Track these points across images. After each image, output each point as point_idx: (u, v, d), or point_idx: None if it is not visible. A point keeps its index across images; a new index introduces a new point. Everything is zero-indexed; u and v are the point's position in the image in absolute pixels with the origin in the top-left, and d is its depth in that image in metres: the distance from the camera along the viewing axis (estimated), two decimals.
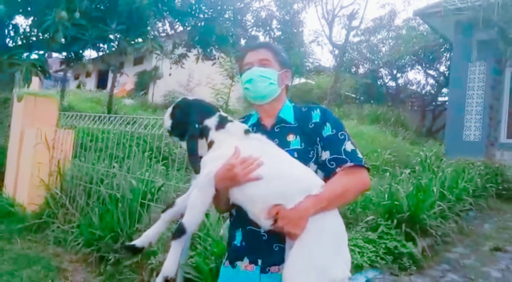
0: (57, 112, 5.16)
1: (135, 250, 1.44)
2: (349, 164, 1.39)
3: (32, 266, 3.60)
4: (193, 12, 6.95)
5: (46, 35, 5.19)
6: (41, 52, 5.26)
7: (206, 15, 7.14)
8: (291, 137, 1.47)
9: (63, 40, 4.86)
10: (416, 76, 25.75)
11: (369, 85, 16.11)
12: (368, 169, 1.44)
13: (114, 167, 4.05)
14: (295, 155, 1.42)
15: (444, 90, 15.34)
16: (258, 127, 1.55)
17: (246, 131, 1.45)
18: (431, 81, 16.90)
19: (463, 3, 8.38)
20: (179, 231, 1.33)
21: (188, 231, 1.33)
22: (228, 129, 1.44)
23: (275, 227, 1.31)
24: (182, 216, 1.38)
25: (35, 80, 5.70)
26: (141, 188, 3.64)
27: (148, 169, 4.05)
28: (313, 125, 1.48)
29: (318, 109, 1.52)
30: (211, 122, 1.45)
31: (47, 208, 4.47)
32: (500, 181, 6.81)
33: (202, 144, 1.44)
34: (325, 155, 1.43)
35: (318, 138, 1.46)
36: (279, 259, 1.37)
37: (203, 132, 1.44)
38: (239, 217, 1.45)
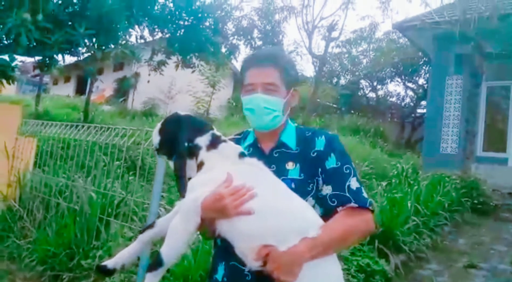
0: (19, 119, 4.89)
1: (107, 272, 1.30)
2: (352, 204, 1.24)
3: None
4: (173, 19, 6.81)
5: (10, 38, 4.94)
6: (5, 56, 5.00)
7: (186, 22, 7.00)
8: (290, 165, 1.31)
9: (28, 43, 4.63)
10: (395, 88, 26.11)
11: (350, 96, 16.24)
12: (372, 211, 1.27)
13: (74, 180, 3.82)
14: (293, 185, 1.26)
15: (423, 102, 15.55)
16: (255, 149, 1.38)
17: (241, 155, 1.29)
18: (410, 93, 17.18)
19: (440, 17, 8.47)
20: (156, 263, 1.17)
21: (165, 263, 1.17)
22: (220, 150, 1.29)
23: (264, 270, 1.14)
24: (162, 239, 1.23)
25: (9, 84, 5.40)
26: (101, 201, 3.43)
27: (113, 180, 3.83)
28: (315, 154, 1.32)
29: (323, 136, 1.35)
30: (202, 141, 1.31)
31: (3, 221, 4.19)
32: (475, 195, 6.77)
33: (191, 164, 1.29)
34: (327, 190, 1.28)
35: (320, 170, 1.30)
36: None
37: (193, 151, 1.29)
38: (223, 249, 1.28)
